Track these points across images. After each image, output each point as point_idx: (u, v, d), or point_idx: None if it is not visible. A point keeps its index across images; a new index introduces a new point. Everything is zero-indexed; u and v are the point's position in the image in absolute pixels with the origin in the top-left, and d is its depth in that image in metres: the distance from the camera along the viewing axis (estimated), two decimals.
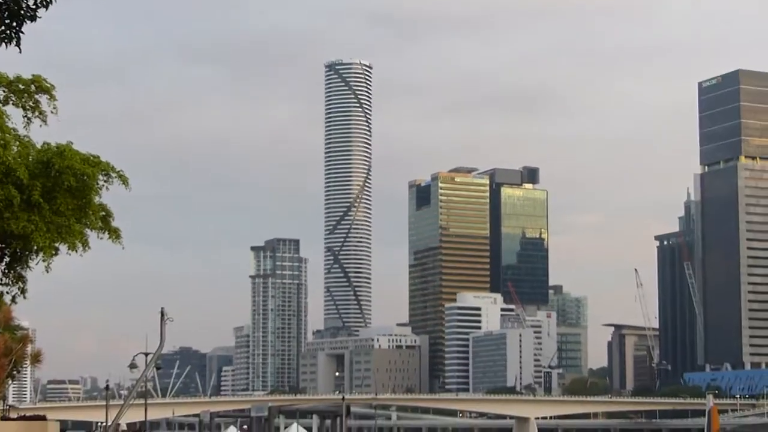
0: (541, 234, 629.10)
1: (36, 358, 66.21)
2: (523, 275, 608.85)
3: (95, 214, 33.20)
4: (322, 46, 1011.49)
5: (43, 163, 32.16)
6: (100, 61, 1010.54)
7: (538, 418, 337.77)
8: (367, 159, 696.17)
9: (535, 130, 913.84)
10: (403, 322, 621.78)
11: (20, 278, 33.41)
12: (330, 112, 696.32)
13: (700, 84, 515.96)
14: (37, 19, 21.47)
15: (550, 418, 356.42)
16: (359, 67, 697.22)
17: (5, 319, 58.35)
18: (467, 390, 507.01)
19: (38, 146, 32.86)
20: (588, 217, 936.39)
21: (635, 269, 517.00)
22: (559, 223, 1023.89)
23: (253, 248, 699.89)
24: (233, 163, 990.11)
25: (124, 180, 33.27)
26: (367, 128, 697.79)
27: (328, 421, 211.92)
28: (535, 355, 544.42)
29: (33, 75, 32.54)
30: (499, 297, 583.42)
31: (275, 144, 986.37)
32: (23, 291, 33.84)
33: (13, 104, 32.36)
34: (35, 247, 32.20)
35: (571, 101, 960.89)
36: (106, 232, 33.88)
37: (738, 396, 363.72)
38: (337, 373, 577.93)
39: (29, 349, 64.27)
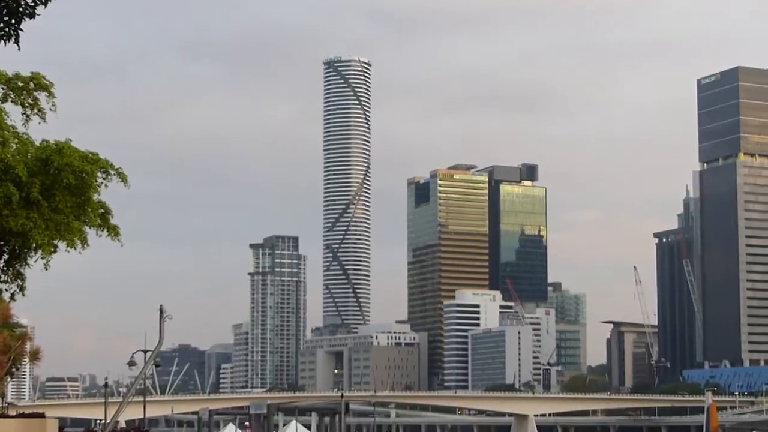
0: (540, 231, 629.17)
1: (35, 356, 66.10)
2: (522, 272, 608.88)
3: (94, 211, 33.23)
4: (321, 43, 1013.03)
5: (42, 160, 32.19)
6: (98, 59, 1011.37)
7: (537, 416, 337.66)
8: (366, 156, 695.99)
9: (534, 127, 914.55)
10: (402, 320, 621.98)
11: (19, 275, 33.45)
12: (329, 110, 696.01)
13: (699, 81, 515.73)
14: (36, 16, 21.45)
15: (549, 415, 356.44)
16: (358, 64, 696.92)
17: (4, 316, 58.30)
18: (466, 387, 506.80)
19: (37, 143, 32.90)
20: (587, 215, 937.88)
21: (634, 266, 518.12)
22: (558, 220, 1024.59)
23: (252, 245, 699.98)
24: (232, 161, 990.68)
25: (122, 177, 33.30)
26: (366, 125, 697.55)
27: (327, 419, 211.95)
28: (534, 352, 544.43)
29: (32, 72, 32.56)
30: (498, 294, 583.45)
31: (274, 141, 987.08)
32: (22, 288, 33.88)
33: (12, 101, 32.38)
34: (34, 245, 32.24)
35: (570, 99, 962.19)
36: (105, 230, 33.92)
37: (737, 393, 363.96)
38: (336, 371, 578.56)
39: (28, 346, 64.14)
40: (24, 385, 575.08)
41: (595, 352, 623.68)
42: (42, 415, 57.22)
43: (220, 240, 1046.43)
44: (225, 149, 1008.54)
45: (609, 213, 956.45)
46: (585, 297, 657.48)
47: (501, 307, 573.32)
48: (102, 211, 33.62)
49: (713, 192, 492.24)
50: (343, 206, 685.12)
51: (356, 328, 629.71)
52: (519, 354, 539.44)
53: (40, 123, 32.60)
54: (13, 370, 60.92)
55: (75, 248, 32.92)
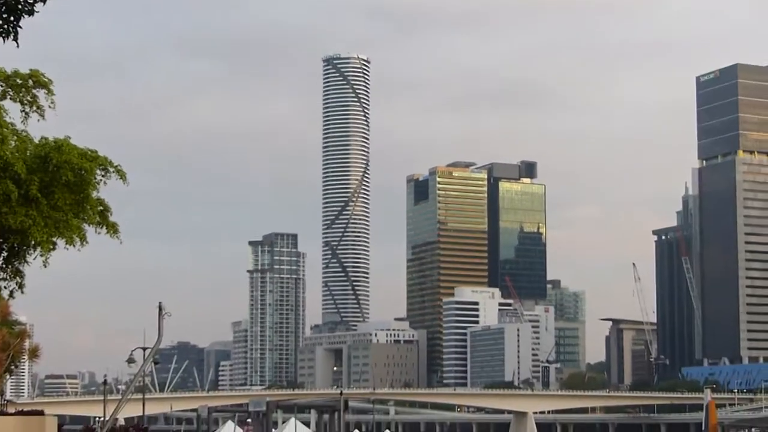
0: (539, 228, 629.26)
1: (34, 353, 66.04)
2: (521, 270, 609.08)
3: (93, 208, 33.21)
4: (320, 41, 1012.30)
5: (41, 157, 32.16)
6: (97, 56, 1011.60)
7: (536, 413, 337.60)
8: (365, 153, 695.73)
9: (533, 124, 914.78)
10: (401, 317, 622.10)
11: (18, 273, 33.43)
12: (328, 107, 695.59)
13: (698, 78, 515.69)
14: (35, 13, 21.43)
15: (548, 412, 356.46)
16: (357, 61, 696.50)
17: (3, 313, 58.25)
18: (465, 385, 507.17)
19: (36, 141, 32.86)
20: (586, 212, 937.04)
21: (633, 264, 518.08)
22: (557, 217, 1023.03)
23: (251, 243, 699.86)
24: (231, 158, 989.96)
25: (121, 175, 33.28)
26: (365, 123, 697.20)
27: (326, 416, 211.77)
28: (533, 349, 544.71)
29: (31, 70, 32.52)
30: (497, 291, 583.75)
31: (273, 138, 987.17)
32: (21, 286, 33.86)
33: (10, 99, 32.34)
34: (33, 242, 32.22)
35: (570, 98, 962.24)
36: (104, 227, 33.90)
37: (736, 390, 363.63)
38: (335, 368, 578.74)
39: (27, 343, 64.06)
40: (23, 382, 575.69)
41: (594, 350, 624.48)
42: (41, 413, 57.15)
43: (219, 237, 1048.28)
44: (224, 146, 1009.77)
45: (608, 210, 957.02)
46: (584, 294, 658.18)
47: (500, 304, 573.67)
48: (101, 208, 33.61)
49: (712, 189, 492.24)
50: (343, 203, 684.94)
51: (355, 325, 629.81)
52: (518, 351, 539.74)
53: (39, 120, 32.58)
54: (12, 367, 60.86)
55: (74, 245, 32.92)
